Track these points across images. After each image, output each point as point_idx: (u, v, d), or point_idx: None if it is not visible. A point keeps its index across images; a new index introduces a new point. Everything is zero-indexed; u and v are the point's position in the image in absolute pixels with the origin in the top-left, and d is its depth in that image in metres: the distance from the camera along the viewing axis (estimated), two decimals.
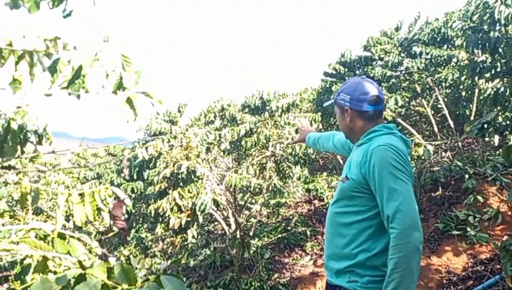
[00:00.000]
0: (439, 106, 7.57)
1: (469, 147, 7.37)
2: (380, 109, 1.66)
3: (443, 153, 6.36)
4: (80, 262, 1.29)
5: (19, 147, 1.98)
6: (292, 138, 5.30)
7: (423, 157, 6.19)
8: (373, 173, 1.49)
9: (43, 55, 1.12)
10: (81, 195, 1.81)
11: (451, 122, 6.92)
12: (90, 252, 1.79)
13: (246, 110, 6.26)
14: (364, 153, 1.56)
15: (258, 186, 5.63)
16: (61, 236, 1.72)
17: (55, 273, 1.42)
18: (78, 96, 1.52)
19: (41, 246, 1.42)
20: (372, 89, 1.65)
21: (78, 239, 1.72)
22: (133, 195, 6.16)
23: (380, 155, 1.48)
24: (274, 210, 7.85)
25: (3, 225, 1.83)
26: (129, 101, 1.62)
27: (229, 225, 5.87)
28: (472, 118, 6.59)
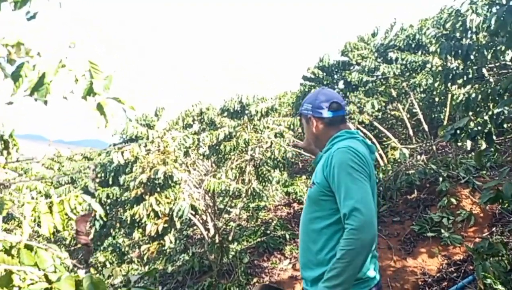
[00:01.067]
0: (414, 110, 7.75)
1: (443, 150, 7.58)
2: (341, 115, 1.74)
3: (418, 157, 6.50)
4: (46, 276, 1.23)
5: None
6: (293, 142, 5.31)
7: (399, 160, 6.31)
8: (333, 174, 1.53)
9: (6, 61, 1.07)
10: (49, 203, 1.74)
11: (425, 126, 7.09)
12: (61, 263, 1.72)
13: (225, 114, 6.22)
14: (327, 157, 1.61)
15: (237, 190, 5.60)
16: (28, 247, 1.65)
17: (19, 288, 1.35)
18: (45, 102, 1.46)
19: (4, 260, 1.35)
20: (331, 96, 1.74)
21: (46, 250, 1.65)
22: (108, 201, 6.01)
23: (339, 157, 1.54)
24: (253, 213, 7.83)
25: None
26: (99, 107, 1.58)
27: (207, 230, 5.81)
28: (445, 122, 6.77)
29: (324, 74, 7.86)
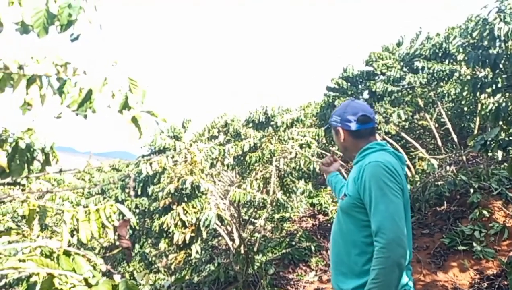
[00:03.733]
0: (442, 120, 7.58)
1: (474, 161, 7.35)
2: (371, 127, 1.75)
3: (448, 167, 6.34)
4: (86, 280, 1.31)
5: (26, 166, 2.02)
6: (296, 154, 5.33)
7: (427, 171, 6.17)
8: (364, 188, 1.55)
9: (55, 79, 1.17)
10: (87, 212, 1.84)
11: (454, 136, 6.91)
12: (94, 268, 1.80)
13: (250, 125, 6.30)
14: (358, 170, 1.63)
15: (262, 201, 5.63)
16: (67, 253, 1.74)
17: None
18: (85, 116, 1.57)
19: (47, 264, 1.44)
20: (359, 109, 1.75)
21: (83, 256, 1.74)
22: (137, 211, 6.17)
23: (371, 171, 1.55)
24: (278, 225, 7.82)
25: (9, 242, 1.85)
26: (134, 120, 1.67)
27: (233, 240, 5.85)
28: (476, 131, 6.59)
29: (348, 84, 7.83)
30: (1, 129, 1.83)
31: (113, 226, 1.77)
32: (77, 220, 1.82)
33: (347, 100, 1.85)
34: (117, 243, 1.44)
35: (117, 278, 1.49)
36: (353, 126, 1.73)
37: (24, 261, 1.57)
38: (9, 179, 1.66)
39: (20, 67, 1.23)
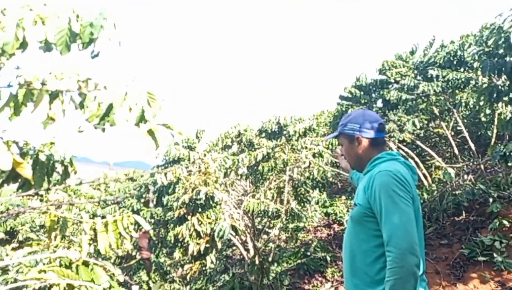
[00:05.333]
0: (458, 128, 7.46)
1: (492, 169, 7.19)
2: (384, 137, 1.77)
3: (465, 176, 6.22)
4: None
5: (46, 178, 2.07)
6: (310, 163, 5.31)
7: (444, 180, 6.06)
8: (375, 197, 1.54)
9: (77, 94, 1.21)
10: (105, 223, 1.87)
11: (472, 144, 6.79)
12: (111, 278, 1.83)
13: (263, 134, 6.32)
14: (368, 179, 1.62)
15: (276, 211, 5.61)
16: (86, 264, 1.78)
17: None
18: (103, 130, 1.61)
19: (68, 275, 1.47)
20: (377, 118, 1.77)
21: (102, 266, 1.77)
22: (152, 221, 6.22)
23: (381, 180, 1.54)
24: (292, 234, 7.76)
25: (29, 253, 1.89)
26: (150, 132, 1.70)
27: (247, 250, 5.83)
28: (493, 141, 6.46)
29: (362, 93, 7.80)
30: (23, 142, 1.89)
31: (130, 236, 1.80)
32: (95, 230, 1.85)
33: (361, 109, 1.84)
34: (138, 254, 1.47)
35: (135, 288, 1.52)
36: (373, 134, 1.73)
37: (45, 271, 1.61)
38: (30, 191, 1.71)
39: (43, 83, 1.28)
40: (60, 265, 1.77)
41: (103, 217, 1.97)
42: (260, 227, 6.99)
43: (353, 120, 1.78)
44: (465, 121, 7.71)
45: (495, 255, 4.53)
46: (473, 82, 6.04)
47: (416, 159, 7.35)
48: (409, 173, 1.64)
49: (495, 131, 6.52)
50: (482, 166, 6.39)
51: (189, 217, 4.36)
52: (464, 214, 5.65)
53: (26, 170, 1.19)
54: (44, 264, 1.74)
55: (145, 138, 1.72)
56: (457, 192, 5.75)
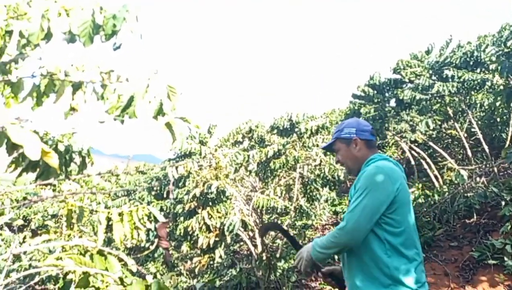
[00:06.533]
0: (472, 129, 7.36)
1: (505, 172, 7.09)
2: (375, 140, 1.96)
3: (478, 179, 6.14)
4: (121, 279, 1.35)
5: (64, 168, 2.11)
6: (321, 161, 5.31)
7: (456, 182, 6.00)
8: (358, 188, 1.73)
9: (99, 86, 1.23)
10: (120, 214, 1.90)
11: (485, 146, 6.70)
12: (124, 268, 1.86)
13: (275, 131, 6.32)
14: (358, 177, 1.79)
15: (285, 207, 5.62)
16: (100, 253, 1.81)
17: (96, 288, 1.49)
18: (122, 122, 1.63)
19: (85, 262, 1.50)
20: (368, 123, 1.98)
21: (116, 256, 1.80)
22: (161, 213, 6.28)
23: (366, 172, 1.73)
24: (300, 232, 7.77)
25: (47, 241, 1.93)
26: (168, 125, 1.72)
27: (255, 246, 5.85)
28: (508, 143, 6.36)
29: (375, 92, 7.73)
30: (43, 132, 1.93)
31: (145, 227, 1.82)
32: (111, 221, 1.88)
33: (352, 118, 2.04)
34: (150, 245, 1.49)
35: (149, 278, 1.54)
36: (368, 135, 1.91)
37: (61, 259, 1.64)
38: (49, 181, 1.74)
39: (67, 74, 1.30)
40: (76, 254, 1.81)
41: (107, 208, 2.00)
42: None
43: (349, 125, 1.95)
44: (479, 122, 7.60)
45: (505, 258, 4.48)
46: (489, 83, 5.95)
47: (428, 160, 7.28)
48: (397, 169, 1.78)
49: (510, 133, 6.42)
50: (495, 169, 6.30)
51: (199, 211, 4.40)
52: (475, 217, 5.59)
53: (53, 159, 1.21)
54: (60, 252, 1.77)
55: (162, 131, 1.74)
56: (469, 195, 5.69)
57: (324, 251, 1.76)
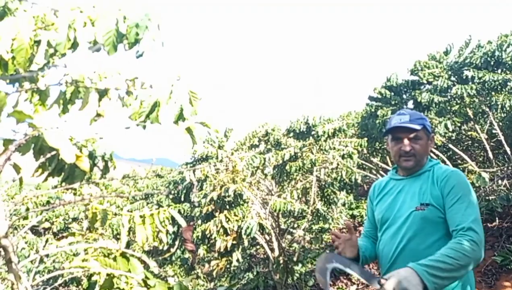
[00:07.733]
0: (493, 131, 7.19)
1: None
2: None
3: (500, 181, 6.00)
4: (145, 281, 1.39)
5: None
6: (338, 164, 5.28)
7: (477, 185, 5.87)
8: (453, 190, 1.61)
9: (124, 92, 1.27)
10: (142, 217, 1.94)
11: (507, 148, 6.54)
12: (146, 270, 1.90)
13: (291, 134, 6.32)
14: (436, 178, 1.68)
15: (301, 211, 5.60)
16: (123, 255, 1.85)
17: None
18: (144, 127, 1.68)
19: (110, 264, 1.54)
20: None
21: (138, 258, 1.84)
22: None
23: (460, 178, 1.65)
24: (317, 235, 7.72)
25: (71, 243, 1.99)
26: (189, 130, 1.76)
27: (272, 250, 5.85)
28: None
29: (392, 93, 7.64)
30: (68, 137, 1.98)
31: (166, 230, 1.86)
32: (133, 223, 1.93)
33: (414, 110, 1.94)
34: (171, 248, 1.52)
35: (171, 281, 1.57)
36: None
37: (86, 260, 1.69)
38: (74, 185, 1.80)
39: (93, 81, 1.35)
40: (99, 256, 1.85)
41: (131, 211, 2.04)
42: (284, 227, 6.99)
43: (424, 119, 1.78)
44: (501, 124, 7.42)
45: None
46: (510, 84, 5.81)
47: (448, 162, 7.14)
48: None
49: None
50: None
51: (216, 214, 4.43)
52: (497, 221, 5.46)
53: (84, 163, 1.26)
54: (85, 254, 1.82)
55: (183, 135, 1.78)
56: (490, 198, 5.57)
57: (449, 275, 1.39)
